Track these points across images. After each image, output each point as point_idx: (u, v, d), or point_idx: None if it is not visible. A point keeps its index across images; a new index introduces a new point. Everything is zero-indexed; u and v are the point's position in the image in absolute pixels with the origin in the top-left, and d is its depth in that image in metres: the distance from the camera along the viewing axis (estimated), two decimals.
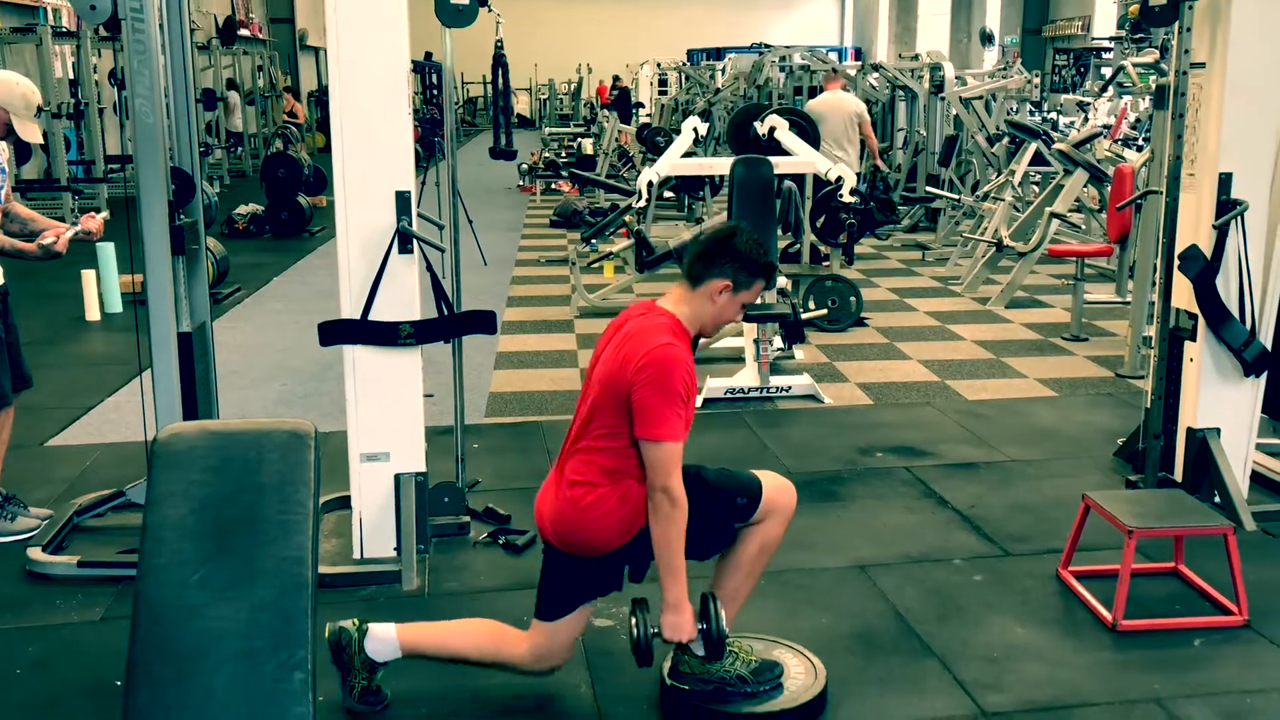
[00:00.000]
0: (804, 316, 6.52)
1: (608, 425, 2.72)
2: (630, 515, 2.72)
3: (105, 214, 4.13)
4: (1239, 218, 3.96)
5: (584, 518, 2.74)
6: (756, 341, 5.77)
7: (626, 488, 2.72)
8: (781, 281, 6.05)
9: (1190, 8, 4.04)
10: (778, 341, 6.19)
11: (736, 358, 6.17)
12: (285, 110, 17.34)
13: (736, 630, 3.06)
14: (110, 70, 15.21)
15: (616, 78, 25.09)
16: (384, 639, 2.86)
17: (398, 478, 3.70)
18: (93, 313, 7.68)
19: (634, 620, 2.73)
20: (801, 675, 2.96)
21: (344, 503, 3.92)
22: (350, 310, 3.58)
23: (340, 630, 2.87)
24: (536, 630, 2.88)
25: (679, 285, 2.82)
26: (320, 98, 24.97)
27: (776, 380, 5.78)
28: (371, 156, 3.51)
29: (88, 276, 7.65)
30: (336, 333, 3.61)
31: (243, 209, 11.71)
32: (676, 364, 2.65)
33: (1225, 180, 3.96)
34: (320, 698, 2.67)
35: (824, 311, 7.18)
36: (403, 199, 3.53)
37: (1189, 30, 4.06)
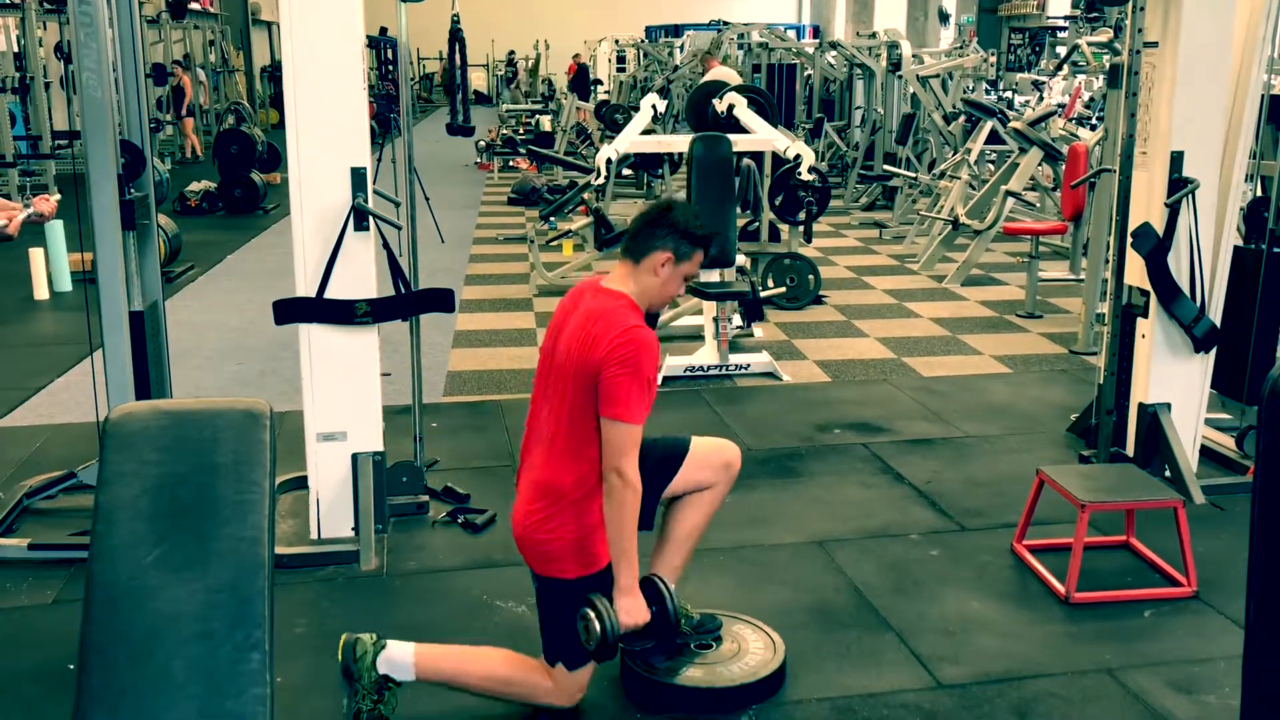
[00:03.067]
0: (763, 294, 6.55)
1: (577, 407, 2.67)
2: (589, 548, 2.70)
3: (58, 196, 4.05)
4: (1190, 196, 4.02)
5: (546, 534, 2.69)
6: (716, 319, 5.78)
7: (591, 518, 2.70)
8: (740, 259, 6.07)
9: None
10: (737, 319, 6.21)
11: (696, 335, 6.17)
12: (174, 84, 16.53)
13: (696, 606, 3.07)
14: (56, 43, 14.89)
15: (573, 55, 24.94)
16: (398, 659, 2.72)
17: (355, 457, 3.67)
18: (41, 292, 7.54)
19: (593, 613, 2.61)
20: (760, 650, 2.98)
21: (301, 483, 3.89)
22: (305, 288, 3.54)
23: (355, 642, 2.72)
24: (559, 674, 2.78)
25: (621, 264, 2.79)
26: (273, 73, 24.60)
27: (735, 358, 5.79)
28: (326, 133, 3.46)
29: (36, 255, 7.51)
30: (292, 311, 3.57)
31: (195, 186, 11.53)
32: (648, 347, 2.64)
33: (1177, 159, 4.01)
34: (279, 679, 2.65)
35: (782, 289, 7.20)
36: (358, 175, 3.49)
37: (1142, 9, 4.10)
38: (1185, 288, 4.11)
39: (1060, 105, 12.02)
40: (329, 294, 3.53)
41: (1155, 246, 4.07)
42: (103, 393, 3.65)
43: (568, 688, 2.77)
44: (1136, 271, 4.21)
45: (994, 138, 9.51)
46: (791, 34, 17.95)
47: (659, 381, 2.71)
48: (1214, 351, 4.24)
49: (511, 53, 28.24)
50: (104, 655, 1.96)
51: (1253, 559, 1.56)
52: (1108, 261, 4.60)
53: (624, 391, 2.60)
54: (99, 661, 1.96)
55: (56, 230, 7.63)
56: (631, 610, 2.66)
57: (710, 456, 2.94)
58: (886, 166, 11.25)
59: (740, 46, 14.45)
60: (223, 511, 2.06)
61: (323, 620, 3.28)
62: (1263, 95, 4.19)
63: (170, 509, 2.06)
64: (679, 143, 6.36)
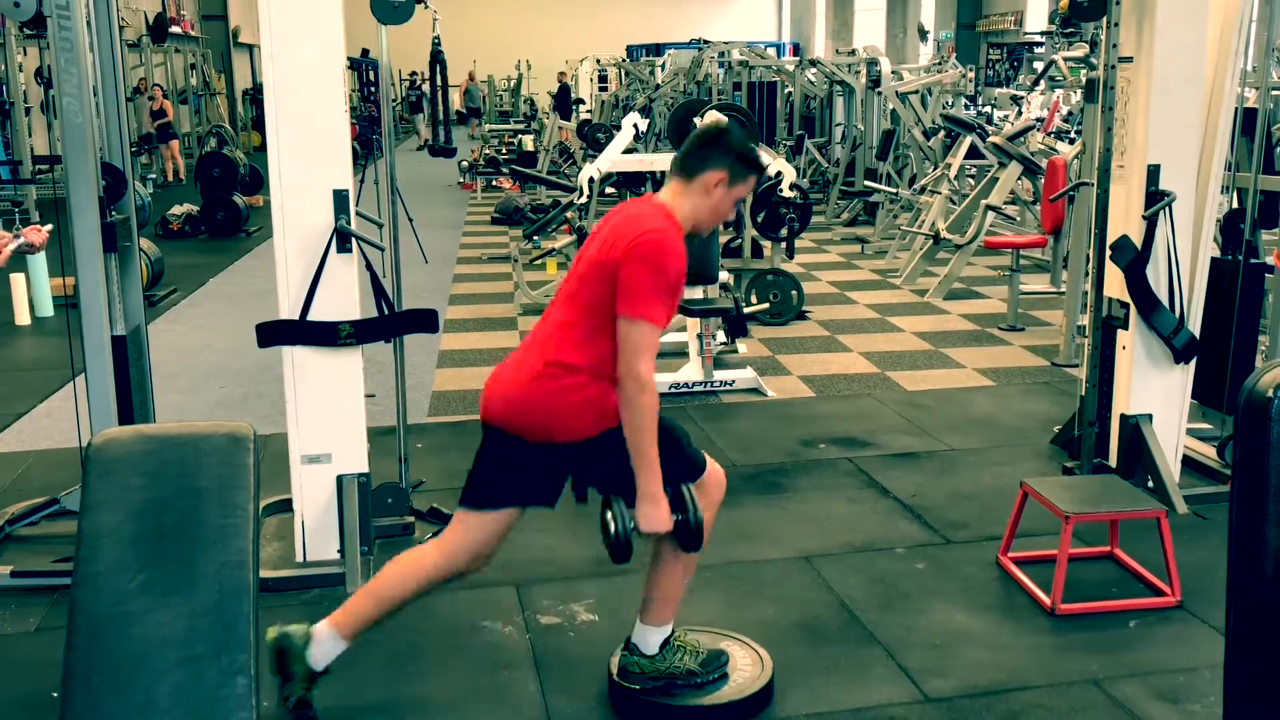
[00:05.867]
0: (746, 311, 6.57)
1: (594, 302, 2.64)
2: (607, 411, 2.63)
3: (49, 226, 4.02)
4: (1167, 208, 4.06)
5: (557, 400, 2.64)
6: (700, 336, 5.79)
7: (606, 385, 2.64)
8: (723, 276, 6.09)
9: (1118, 3, 4.12)
10: (721, 336, 6.22)
11: (680, 352, 6.18)
12: (154, 107, 16.57)
13: (682, 623, 3.07)
14: (37, 68, 14.86)
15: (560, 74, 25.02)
16: (325, 638, 2.77)
17: (340, 479, 3.66)
18: (23, 317, 7.51)
19: (609, 515, 2.62)
20: (748, 667, 2.98)
21: (285, 506, 3.88)
22: (289, 311, 3.54)
23: (286, 636, 2.76)
24: (461, 524, 2.82)
25: (673, 181, 2.78)
26: (255, 96, 24.59)
27: (720, 374, 5.81)
28: (308, 154, 3.46)
29: (17, 280, 7.47)
30: (275, 334, 3.56)
31: (177, 209, 11.50)
32: (672, 248, 2.62)
33: (1154, 172, 4.05)
34: (264, 703, 2.64)
35: (766, 305, 7.22)
36: (340, 197, 3.49)
37: (1117, 25, 4.15)
38: (1164, 299, 4.14)
39: (1039, 120, 12.11)
40: (312, 316, 3.52)
41: (1134, 259, 4.11)
42: (85, 418, 3.64)
43: (466, 540, 2.79)
44: (1116, 284, 4.24)
45: (974, 152, 9.57)
46: (771, 52, 18.06)
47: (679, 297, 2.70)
48: (1194, 362, 4.27)
49: (414, 74, 26.27)
50: (87, 682, 1.95)
51: (1231, 568, 1.58)
52: (1088, 274, 4.63)
53: (641, 288, 2.57)
54: (82, 689, 1.95)
55: (38, 255, 7.59)
56: (652, 518, 2.62)
57: (712, 481, 2.89)
58: (867, 182, 11.31)
59: (721, 65, 14.52)
60: (207, 536, 2.06)
61: None
62: (1237, 108, 4.24)
63: (154, 534, 2.06)
64: (661, 161, 6.39)
